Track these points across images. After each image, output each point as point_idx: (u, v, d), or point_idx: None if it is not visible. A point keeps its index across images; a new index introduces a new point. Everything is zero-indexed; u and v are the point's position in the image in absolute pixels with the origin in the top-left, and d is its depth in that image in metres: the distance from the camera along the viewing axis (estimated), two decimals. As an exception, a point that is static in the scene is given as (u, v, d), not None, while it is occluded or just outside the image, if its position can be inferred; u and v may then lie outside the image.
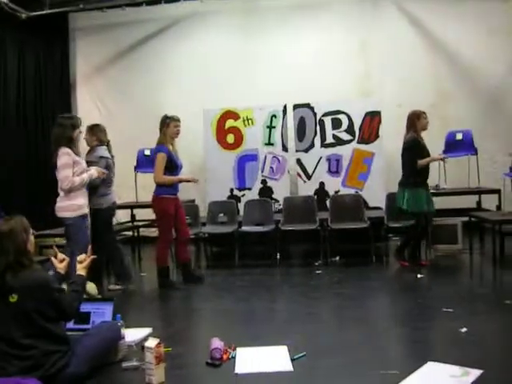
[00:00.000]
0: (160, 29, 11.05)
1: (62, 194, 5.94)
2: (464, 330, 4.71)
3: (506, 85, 10.18)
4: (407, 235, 7.68)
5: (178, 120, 6.92)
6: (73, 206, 5.90)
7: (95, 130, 6.94)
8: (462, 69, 10.22)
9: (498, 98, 10.11)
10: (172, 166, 6.78)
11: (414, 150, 7.23)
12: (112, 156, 6.96)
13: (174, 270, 7.65)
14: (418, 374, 3.80)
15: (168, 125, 6.79)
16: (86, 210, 6.09)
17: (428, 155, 7.33)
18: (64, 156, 5.86)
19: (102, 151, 6.82)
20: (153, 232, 9.96)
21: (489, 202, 9.07)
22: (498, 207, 8.90)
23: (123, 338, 4.31)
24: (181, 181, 6.95)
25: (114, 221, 7.35)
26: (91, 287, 6.03)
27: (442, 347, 4.50)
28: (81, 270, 4.25)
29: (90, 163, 6.53)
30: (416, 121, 7.35)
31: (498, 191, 8.84)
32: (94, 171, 6.19)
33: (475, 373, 3.76)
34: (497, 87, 10.17)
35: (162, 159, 6.68)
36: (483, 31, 10.09)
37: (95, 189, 6.64)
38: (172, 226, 6.90)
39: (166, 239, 6.90)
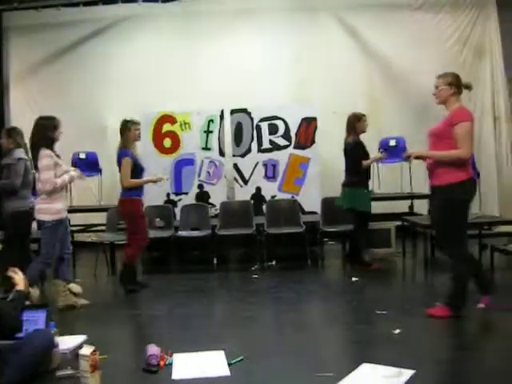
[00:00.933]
0: (98, 30, 10.86)
1: (42, 196, 5.88)
2: (397, 331, 4.83)
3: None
4: (353, 239, 7.82)
5: (139, 123, 7.02)
6: (52, 209, 5.87)
7: (12, 133, 6.88)
8: (395, 78, 10.47)
9: (427, 106, 10.31)
10: (137, 170, 6.85)
11: (358, 152, 7.44)
12: (30, 159, 6.77)
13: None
14: (353, 376, 3.88)
15: (130, 129, 6.83)
16: (64, 215, 6.06)
17: (368, 156, 7.57)
18: (46, 158, 5.81)
19: (20, 153, 6.72)
20: (87, 237, 9.85)
21: (421, 206, 9.33)
22: (430, 211, 9.12)
23: (57, 345, 4.24)
24: (148, 182, 7.06)
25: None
26: (75, 287, 6.21)
27: (377, 349, 4.59)
28: (20, 284, 4.15)
29: (8, 166, 6.58)
30: (356, 123, 7.55)
31: (429, 196, 9.06)
32: (73, 173, 6.14)
33: (408, 373, 3.86)
34: (427, 96, 10.36)
35: (127, 163, 6.71)
36: (414, 42, 10.37)
37: (16, 192, 6.61)
38: (145, 226, 7.01)
39: (139, 241, 6.92)
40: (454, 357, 4.31)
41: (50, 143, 5.93)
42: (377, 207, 8.91)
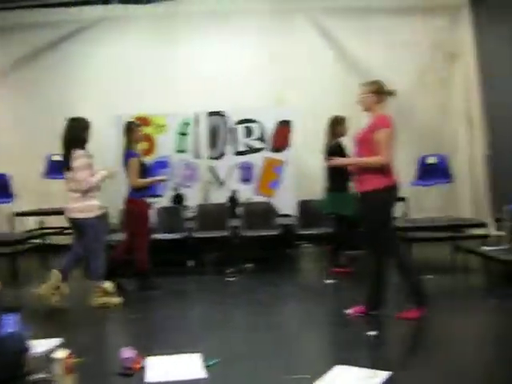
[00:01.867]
0: (73, 32, 10.70)
1: (76, 195, 6.11)
2: (372, 333, 4.86)
3: (409, 97, 10.57)
4: (335, 242, 7.85)
5: (141, 125, 7.30)
6: (89, 206, 6.12)
7: None
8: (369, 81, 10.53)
9: (403, 109, 10.44)
10: (145, 170, 7.01)
11: (338, 155, 7.44)
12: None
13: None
14: (328, 378, 3.90)
15: (133, 130, 7.00)
16: (101, 211, 6.34)
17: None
18: (81, 158, 6.07)
19: None
20: (62, 240, 9.76)
21: (396, 209, 9.38)
22: (404, 215, 9.22)
23: (30, 349, 4.20)
24: (154, 181, 7.40)
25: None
26: (109, 286, 6.31)
27: (352, 350, 4.61)
28: None
29: None
30: (337, 126, 7.59)
31: (403, 199, 9.15)
32: (104, 172, 6.33)
33: (383, 375, 3.89)
34: (401, 99, 10.46)
35: (135, 164, 6.85)
36: (390, 45, 10.46)
37: None
38: (148, 228, 7.11)
39: (144, 243, 6.99)
40: (427, 358, 4.34)
41: (82, 143, 6.17)
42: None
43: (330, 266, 7.83)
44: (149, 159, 9.30)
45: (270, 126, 9.32)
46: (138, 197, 6.93)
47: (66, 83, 10.61)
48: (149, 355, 4.37)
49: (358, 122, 8.63)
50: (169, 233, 8.37)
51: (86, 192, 6.09)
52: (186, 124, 9.39)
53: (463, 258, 7.48)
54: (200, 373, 4.06)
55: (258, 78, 10.35)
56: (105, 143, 9.81)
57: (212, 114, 9.39)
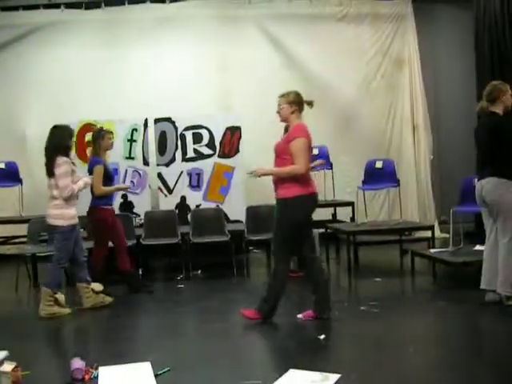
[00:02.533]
0: (18, 36, 10.47)
1: (56, 201, 6.14)
2: (322, 336, 4.91)
3: (356, 103, 10.77)
4: None
5: (112, 133, 7.26)
6: (66, 214, 6.13)
7: None
8: (317, 87, 10.61)
9: (349, 115, 10.66)
10: (109, 177, 7.01)
11: None
12: None
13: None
14: (280, 382, 3.91)
15: (103, 137, 6.97)
16: (77, 221, 6.30)
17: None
18: (64, 165, 6.10)
19: None
20: (8, 249, 9.57)
21: (343, 214, 9.52)
22: (352, 219, 9.34)
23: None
24: (118, 189, 7.65)
25: None
26: (96, 286, 6.49)
27: (303, 354, 4.65)
28: None
29: None
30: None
31: (351, 204, 9.28)
32: (87, 179, 6.45)
33: (334, 377, 3.93)
34: (348, 105, 10.72)
35: (100, 171, 6.83)
36: (337, 53, 10.63)
37: None
38: (117, 233, 7.08)
39: (101, 249, 7.07)
40: (377, 360, 4.40)
41: (66, 151, 6.23)
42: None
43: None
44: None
45: (218, 132, 9.32)
46: (99, 204, 6.93)
47: (10, 89, 10.40)
48: (99, 365, 4.32)
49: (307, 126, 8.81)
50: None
51: (67, 199, 6.12)
52: (135, 130, 9.31)
53: (410, 260, 7.60)
54: (150, 382, 4.03)
55: (207, 84, 10.38)
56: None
57: (160, 120, 9.33)
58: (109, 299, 6.56)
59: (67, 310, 6.26)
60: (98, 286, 6.55)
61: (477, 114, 5.99)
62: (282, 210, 5.37)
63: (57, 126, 6.46)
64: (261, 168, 5.65)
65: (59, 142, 6.26)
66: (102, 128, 7.27)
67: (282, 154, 5.35)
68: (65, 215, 6.14)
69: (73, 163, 6.34)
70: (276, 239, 5.52)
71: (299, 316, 5.56)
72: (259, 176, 5.62)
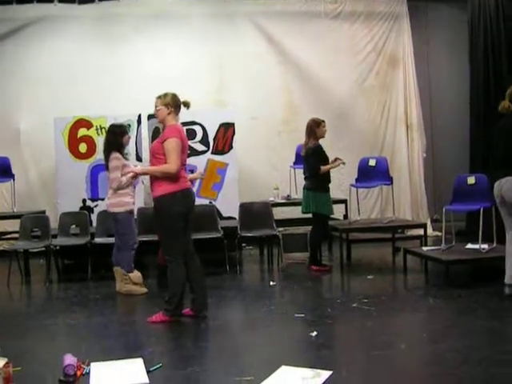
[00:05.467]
0: (11, 30, 10.42)
1: (111, 191, 6.86)
2: (314, 333, 4.91)
3: (350, 101, 10.80)
4: (312, 241, 7.91)
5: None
6: (121, 202, 6.82)
7: None
8: (312, 85, 10.70)
9: (343, 113, 10.68)
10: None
11: (318, 157, 7.61)
12: None
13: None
14: (272, 379, 3.93)
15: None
16: (133, 207, 7.03)
17: (328, 161, 7.78)
18: (115, 160, 6.83)
19: None
20: (0, 245, 9.56)
21: (336, 211, 9.51)
22: (345, 216, 9.35)
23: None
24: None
25: None
26: (136, 276, 6.94)
27: (295, 351, 4.67)
28: None
29: None
30: (316, 128, 7.71)
31: (344, 201, 9.29)
32: (137, 169, 6.49)
33: (325, 374, 3.94)
34: (342, 103, 10.74)
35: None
36: (331, 50, 10.66)
37: None
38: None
39: None
40: (368, 357, 4.41)
41: (119, 147, 6.94)
42: (293, 212, 9.10)
43: (308, 264, 7.93)
44: (90, 162, 9.22)
45: (212, 129, 9.32)
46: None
47: (3, 84, 10.36)
48: (91, 361, 4.31)
49: (300, 124, 8.85)
50: (110, 237, 8.24)
51: (116, 190, 6.78)
52: (128, 126, 9.27)
53: (402, 258, 7.62)
54: (142, 377, 4.03)
55: (201, 81, 10.36)
56: (43, 146, 9.70)
57: (154, 116, 9.27)
58: (143, 290, 6.94)
59: (143, 289, 6.94)
60: (138, 278, 6.96)
61: (498, 114, 5.96)
62: (158, 208, 5.55)
63: (112, 125, 7.31)
64: (135, 168, 6.24)
65: (112, 139, 6.98)
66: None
67: (157, 153, 5.54)
68: (120, 203, 6.81)
69: (125, 158, 7.03)
70: (161, 239, 5.74)
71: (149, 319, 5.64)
72: (135, 176, 6.20)
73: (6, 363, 3.68)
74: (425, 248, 7.63)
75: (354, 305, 5.89)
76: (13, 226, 9.11)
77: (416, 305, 6.04)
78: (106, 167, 7.00)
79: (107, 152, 6.95)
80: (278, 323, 5.50)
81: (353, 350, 4.67)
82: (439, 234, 9.28)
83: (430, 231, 9.78)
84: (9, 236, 9.58)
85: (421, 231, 8.41)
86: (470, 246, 7.29)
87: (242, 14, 10.76)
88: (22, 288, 7.73)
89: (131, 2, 10.63)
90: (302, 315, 5.58)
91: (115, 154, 6.86)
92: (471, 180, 7.43)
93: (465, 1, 10.25)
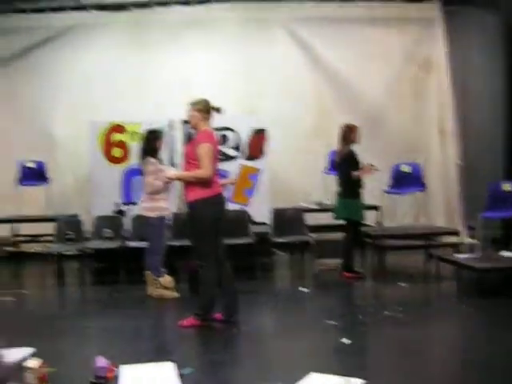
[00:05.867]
0: (47, 38, 10.57)
1: (146, 196, 6.97)
2: (346, 341, 4.88)
3: (383, 106, 10.71)
4: (344, 248, 7.90)
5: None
6: (155, 207, 6.90)
7: None
8: (344, 91, 10.64)
9: (376, 119, 10.59)
10: None
11: (350, 162, 7.61)
12: None
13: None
14: (301, 385, 3.91)
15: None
16: (167, 213, 7.13)
17: (360, 167, 7.75)
18: (150, 165, 6.94)
19: None
20: (35, 248, 9.69)
21: (369, 217, 9.45)
22: (378, 223, 9.28)
23: (3, 358, 4.15)
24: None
25: None
26: (167, 280, 6.96)
27: (325, 358, 4.65)
28: None
29: None
30: (349, 134, 7.70)
31: (377, 207, 9.23)
32: (172, 172, 6.73)
33: (356, 382, 3.91)
34: (375, 108, 10.66)
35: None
36: (364, 55, 10.58)
37: None
38: None
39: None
40: (401, 366, 4.37)
41: (154, 152, 7.05)
42: (325, 218, 9.04)
43: (340, 270, 7.89)
44: (123, 166, 9.30)
45: (244, 134, 9.34)
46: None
47: (39, 90, 10.51)
48: (121, 364, 4.34)
49: (333, 130, 8.84)
50: (143, 241, 8.29)
51: (151, 194, 6.88)
52: (161, 132, 9.33)
53: (436, 265, 7.54)
54: (174, 382, 4.04)
55: (234, 86, 10.37)
56: (78, 150, 9.81)
57: (187, 121, 9.33)
58: (175, 295, 6.95)
59: (175, 294, 6.96)
60: (169, 282, 6.97)
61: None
62: (191, 213, 5.58)
63: (149, 131, 7.34)
64: (169, 172, 6.23)
65: (148, 144, 7.10)
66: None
67: (190, 158, 5.58)
68: (154, 208, 6.90)
69: (160, 163, 7.10)
70: (193, 244, 5.77)
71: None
72: (169, 181, 6.29)
73: (41, 363, 3.73)
74: (458, 255, 7.53)
75: (387, 312, 5.84)
76: (47, 229, 9.22)
77: (449, 313, 5.98)
78: (142, 172, 7.10)
79: (143, 157, 7.06)
80: (309, 329, 5.48)
81: (384, 358, 4.63)
82: (473, 241, 9.16)
83: (463, 238, 9.66)
84: (43, 239, 9.70)
85: (454, 238, 8.32)
86: (504, 253, 7.19)
87: (273, 20, 10.74)
88: (55, 290, 7.81)
89: (164, 9, 10.72)
90: (334, 322, 5.55)
91: (151, 159, 6.96)
92: (507, 187, 7.34)
93: (499, 4, 10.12)
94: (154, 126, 8.83)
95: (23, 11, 10.50)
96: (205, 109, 5.75)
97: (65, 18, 10.62)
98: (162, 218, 7.01)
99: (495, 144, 10.48)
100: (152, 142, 7.12)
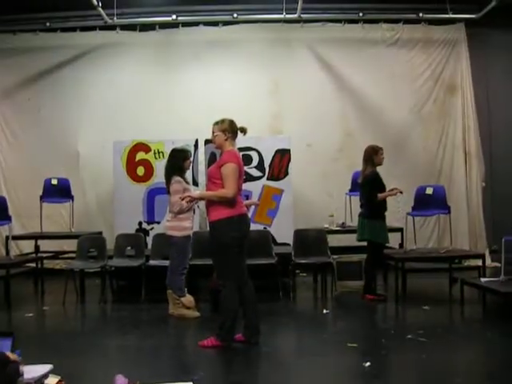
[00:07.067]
0: (74, 57, 10.81)
1: (171, 215, 6.94)
2: (367, 364, 4.83)
3: (407, 128, 10.70)
4: (367, 270, 7.89)
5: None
6: (180, 226, 6.89)
7: None
8: (368, 112, 10.65)
9: (400, 140, 10.56)
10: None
11: (374, 184, 7.60)
12: None
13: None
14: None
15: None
16: (190, 232, 7.08)
17: (385, 189, 7.71)
18: (176, 184, 6.91)
19: None
20: (57, 264, 9.74)
21: (392, 240, 9.37)
22: (401, 245, 9.20)
23: (22, 374, 4.15)
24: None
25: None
26: (188, 300, 6.97)
27: (346, 381, 4.59)
28: None
29: None
30: (374, 156, 7.69)
31: (400, 229, 9.15)
32: (196, 192, 6.84)
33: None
34: (399, 130, 10.64)
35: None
36: (388, 77, 10.61)
37: None
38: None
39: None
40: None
41: (180, 171, 7.02)
42: (348, 240, 9.00)
43: (361, 292, 7.85)
44: (147, 185, 9.35)
45: (268, 155, 9.35)
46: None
47: (65, 108, 10.69)
48: (141, 383, 4.32)
49: (356, 151, 8.81)
50: (165, 259, 8.29)
51: (177, 213, 6.85)
52: (189, 151, 9.38)
53: (459, 289, 7.44)
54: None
55: (257, 107, 10.43)
56: (102, 168, 9.89)
57: (210, 141, 9.35)
58: (196, 314, 6.94)
59: (196, 313, 6.95)
60: (190, 302, 6.96)
61: None
62: (214, 233, 5.55)
63: (174, 149, 7.33)
64: (193, 192, 6.21)
65: (174, 163, 7.06)
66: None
67: (214, 178, 5.58)
68: (179, 227, 6.88)
69: (187, 182, 7.08)
70: (215, 264, 5.75)
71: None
72: (192, 200, 6.13)
73: (59, 381, 3.72)
74: (483, 279, 7.42)
75: (409, 336, 5.77)
76: (70, 245, 9.29)
77: (472, 338, 5.88)
78: (168, 191, 7.06)
79: (168, 176, 7.03)
80: (330, 352, 5.43)
81: (406, 383, 4.56)
82: (498, 264, 9.03)
83: (488, 262, 9.54)
84: (66, 256, 9.76)
85: (479, 262, 8.20)
86: (529, 278, 7.08)
87: (299, 41, 10.81)
88: (76, 307, 7.83)
89: (190, 30, 10.84)
90: (355, 345, 5.49)
91: (177, 178, 6.94)
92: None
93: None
94: (178, 145, 8.92)
95: (54, 30, 10.67)
96: (230, 129, 5.74)
97: (92, 37, 10.82)
98: (186, 238, 6.98)
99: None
100: (179, 160, 7.08)
